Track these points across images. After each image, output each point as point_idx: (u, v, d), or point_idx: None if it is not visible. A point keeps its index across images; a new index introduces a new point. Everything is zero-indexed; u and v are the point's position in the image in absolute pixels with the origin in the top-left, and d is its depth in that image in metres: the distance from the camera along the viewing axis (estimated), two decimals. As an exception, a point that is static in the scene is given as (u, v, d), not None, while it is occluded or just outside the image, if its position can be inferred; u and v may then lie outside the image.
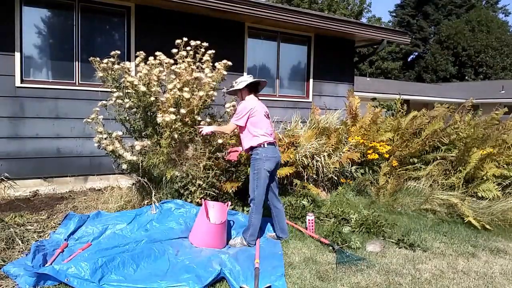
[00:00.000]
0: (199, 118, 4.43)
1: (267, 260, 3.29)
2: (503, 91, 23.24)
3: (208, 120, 4.54)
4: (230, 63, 4.64)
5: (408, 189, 5.82)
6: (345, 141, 6.17)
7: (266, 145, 3.68)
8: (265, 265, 3.17)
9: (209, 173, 4.29)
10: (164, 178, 4.35)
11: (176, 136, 4.26)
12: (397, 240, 4.05)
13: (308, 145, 5.56)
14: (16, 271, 2.82)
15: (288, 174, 5.21)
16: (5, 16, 5.26)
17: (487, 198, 5.55)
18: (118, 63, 4.43)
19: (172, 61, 4.46)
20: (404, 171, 5.97)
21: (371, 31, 8.19)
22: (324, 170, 5.66)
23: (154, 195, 4.25)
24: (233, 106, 4.61)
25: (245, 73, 7.18)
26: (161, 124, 4.16)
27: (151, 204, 4.09)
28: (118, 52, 4.47)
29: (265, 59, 7.73)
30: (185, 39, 4.54)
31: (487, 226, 4.75)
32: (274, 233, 3.96)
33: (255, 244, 3.69)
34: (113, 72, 4.46)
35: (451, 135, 6.48)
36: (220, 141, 4.37)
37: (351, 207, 5.04)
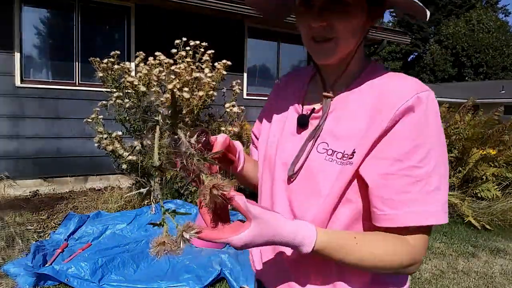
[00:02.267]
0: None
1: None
2: (503, 91, 23.25)
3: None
4: (229, 63, 4.64)
5: (408, 189, 5.81)
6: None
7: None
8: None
9: (209, 173, 4.29)
10: (164, 178, 4.35)
11: (176, 136, 4.26)
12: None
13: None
14: (16, 270, 2.83)
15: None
16: (5, 15, 5.26)
17: (487, 198, 5.55)
18: (118, 63, 4.43)
19: (171, 61, 4.47)
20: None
21: (371, 31, 8.17)
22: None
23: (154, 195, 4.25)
24: (233, 106, 4.58)
25: (245, 74, 7.19)
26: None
27: (151, 204, 4.09)
28: (118, 52, 4.47)
29: (265, 59, 7.73)
30: (184, 39, 4.54)
31: (487, 226, 4.75)
32: None
33: None
34: (113, 72, 4.46)
35: (451, 136, 6.47)
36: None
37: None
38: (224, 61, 4.61)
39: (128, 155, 4.07)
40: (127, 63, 4.50)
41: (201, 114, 4.58)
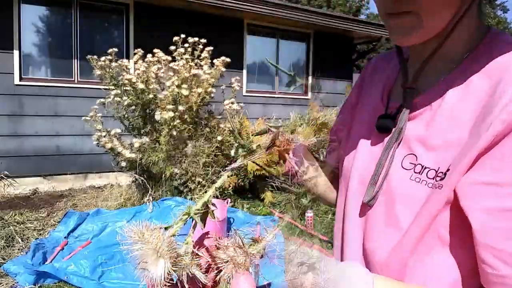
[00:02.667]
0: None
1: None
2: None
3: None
4: (228, 60, 4.64)
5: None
6: (345, 138, 6.18)
7: None
8: (265, 262, 3.17)
9: (208, 170, 4.29)
10: (163, 175, 4.35)
11: (174, 133, 4.26)
12: (396, 236, 4.06)
13: (307, 142, 5.57)
14: (16, 269, 2.83)
15: (288, 171, 5.21)
16: (3, 13, 5.24)
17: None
18: (116, 61, 4.42)
19: (170, 58, 4.46)
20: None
21: (369, 28, 8.18)
22: (324, 167, 5.66)
23: (153, 193, 4.25)
24: (232, 103, 4.58)
25: (244, 70, 7.17)
26: (159, 121, 4.16)
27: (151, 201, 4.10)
28: (116, 49, 4.46)
29: (264, 56, 7.71)
30: (183, 36, 4.53)
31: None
32: None
33: None
34: (111, 70, 4.45)
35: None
36: (219, 138, 4.36)
37: (351, 203, 5.04)
38: (222, 57, 4.60)
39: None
40: (125, 60, 4.49)
41: (200, 111, 4.58)
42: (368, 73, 0.81)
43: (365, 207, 0.65)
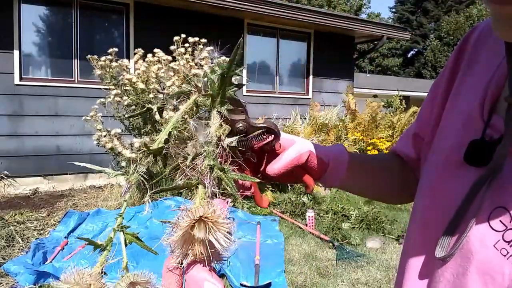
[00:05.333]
0: None
1: (268, 257, 3.29)
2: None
3: None
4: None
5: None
6: (345, 138, 6.18)
7: None
8: (266, 262, 3.18)
9: (208, 170, 4.29)
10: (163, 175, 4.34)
11: (175, 133, 4.26)
12: (397, 236, 4.05)
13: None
14: (16, 269, 2.82)
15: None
16: (3, 13, 5.24)
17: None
18: (116, 61, 4.42)
19: (170, 58, 4.46)
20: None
21: (370, 27, 8.18)
22: (324, 166, 5.66)
23: (152, 193, 4.24)
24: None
25: (244, 70, 7.17)
26: (159, 121, 4.16)
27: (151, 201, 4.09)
28: (116, 49, 4.46)
29: (265, 55, 7.71)
30: (183, 36, 4.53)
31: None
32: None
33: None
34: (111, 69, 4.45)
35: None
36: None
37: (351, 203, 5.04)
38: (223, 57, 4.59)
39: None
40: (125, 60, 4.49)
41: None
42: (471, 48, 0.55)
43: (439, 262, 0.47)
